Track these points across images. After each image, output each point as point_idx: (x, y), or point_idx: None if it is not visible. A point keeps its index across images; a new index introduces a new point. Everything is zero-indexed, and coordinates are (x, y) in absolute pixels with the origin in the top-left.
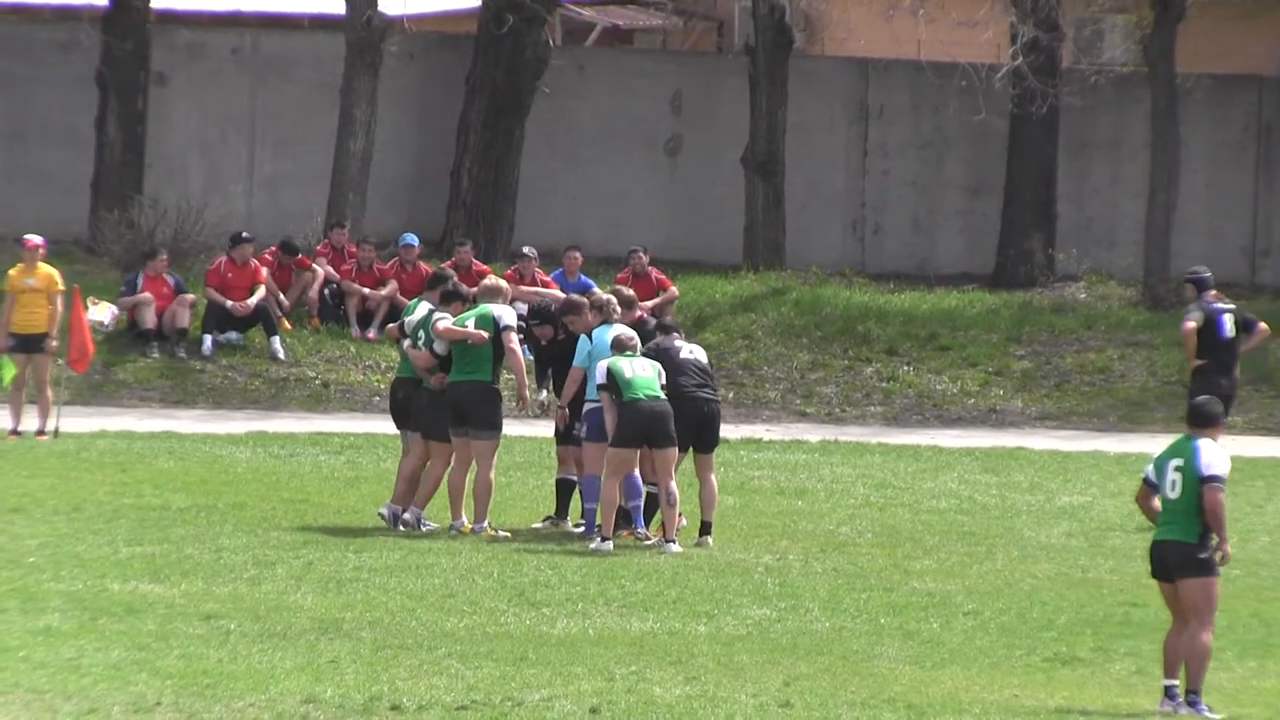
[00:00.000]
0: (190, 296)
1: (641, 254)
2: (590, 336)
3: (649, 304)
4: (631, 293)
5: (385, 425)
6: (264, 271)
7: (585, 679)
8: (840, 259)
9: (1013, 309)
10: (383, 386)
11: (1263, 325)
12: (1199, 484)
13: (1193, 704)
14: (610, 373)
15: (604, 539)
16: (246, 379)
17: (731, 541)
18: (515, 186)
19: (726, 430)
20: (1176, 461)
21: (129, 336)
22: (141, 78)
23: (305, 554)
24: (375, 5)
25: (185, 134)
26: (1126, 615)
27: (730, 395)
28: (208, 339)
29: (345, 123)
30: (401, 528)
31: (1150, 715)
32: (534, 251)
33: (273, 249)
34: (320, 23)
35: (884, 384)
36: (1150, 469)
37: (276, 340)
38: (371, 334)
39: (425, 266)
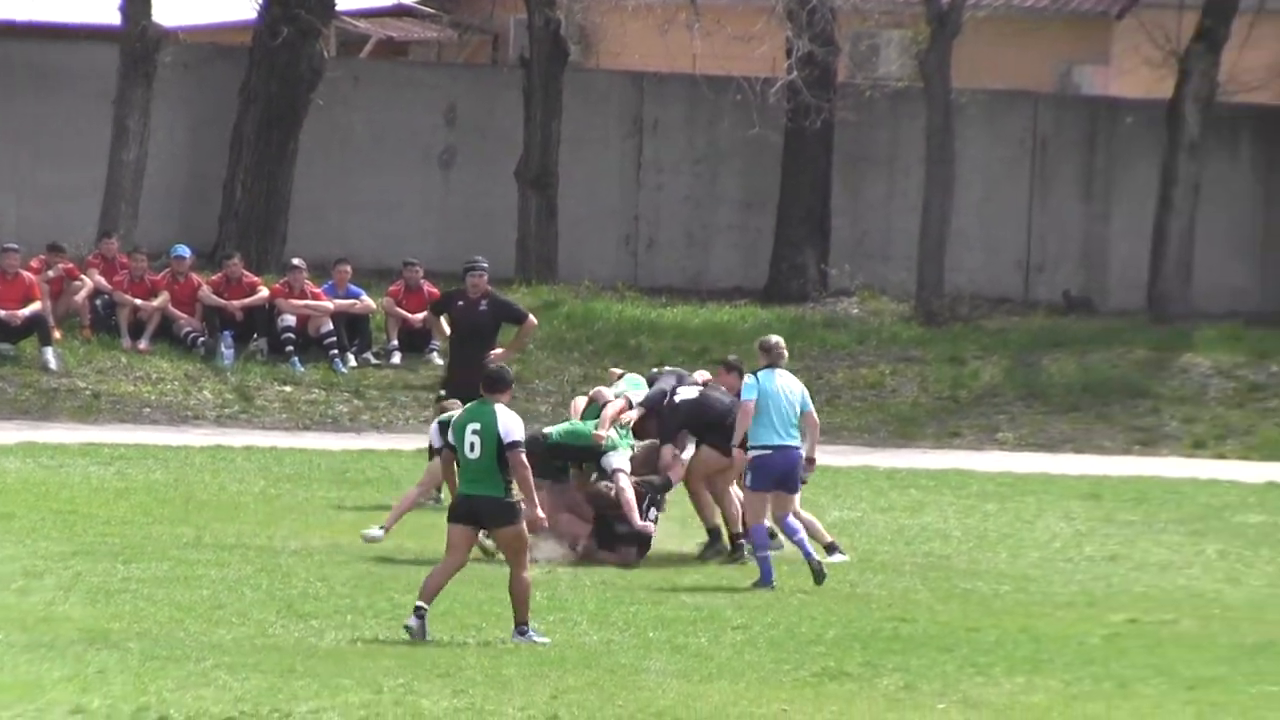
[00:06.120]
0: None
1: (417, 267)
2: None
3: (419, 316)
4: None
5: (156, 436)
6: (39, 285)
7: (353, 691)
8: (614, 273)
9: (785, 323)
10: (153, 398)
11: None
12: (503, 449)
13: (523, 633)
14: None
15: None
16: (16, 389)
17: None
18: (288, 198)
19: None
20: (475, 425)
21: None
22: None
23: (74, 564)
24: (150, 16)
25: None
26: (895, 630)
27: None
28: None
29: (119, 133)
30: None
31: None
32: (303, 264)
33: (40, 256)
34: (95, 33)
35: None
36: (451, 435)
37: (49, 351)
38: (143, 345)
39: (196, 277)
